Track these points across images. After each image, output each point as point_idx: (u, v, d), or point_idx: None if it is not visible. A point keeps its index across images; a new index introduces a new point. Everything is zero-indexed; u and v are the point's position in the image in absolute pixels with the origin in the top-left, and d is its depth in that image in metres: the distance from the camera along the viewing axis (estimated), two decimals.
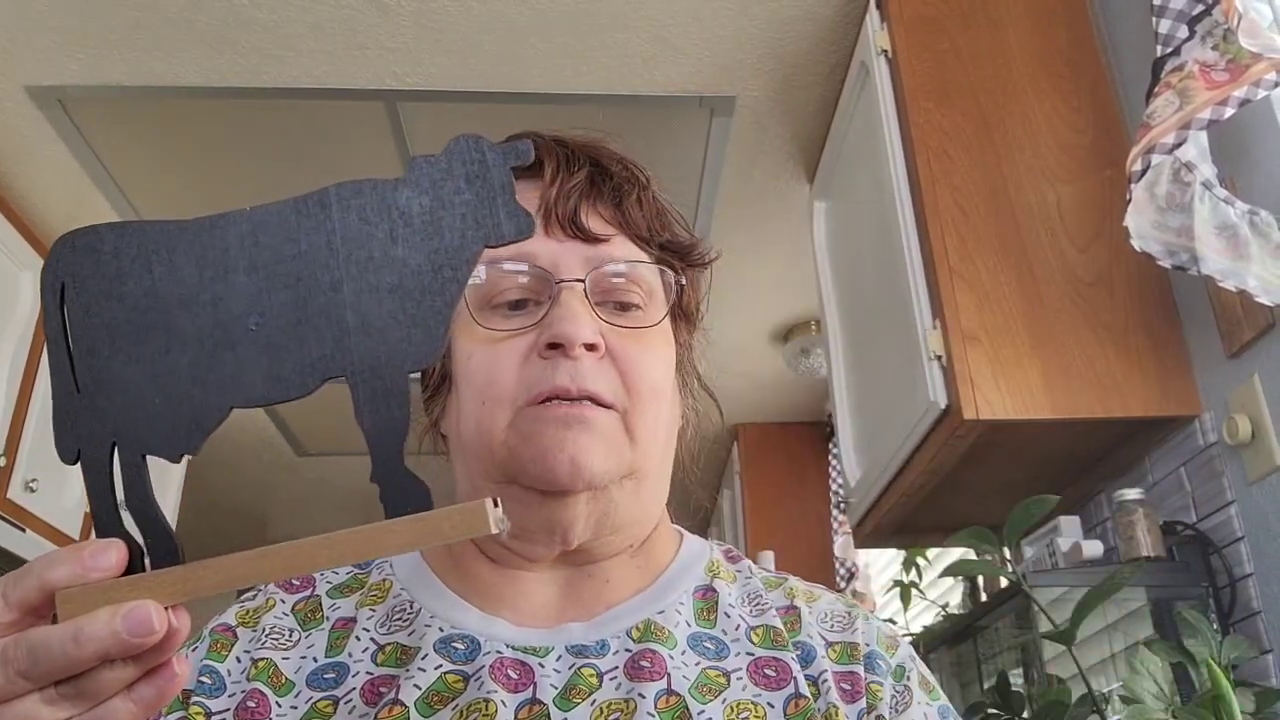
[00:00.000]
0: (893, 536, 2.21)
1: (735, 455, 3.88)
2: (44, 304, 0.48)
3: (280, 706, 0.62)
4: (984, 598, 2.14)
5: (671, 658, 0.64)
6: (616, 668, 0.63)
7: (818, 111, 2.33)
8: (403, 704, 0.60)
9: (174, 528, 0.47)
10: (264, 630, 0.67)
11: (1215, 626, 1.45)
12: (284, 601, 0.70)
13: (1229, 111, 1.34)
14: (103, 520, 0.46)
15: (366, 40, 2.10)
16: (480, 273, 0.67)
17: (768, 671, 0.64)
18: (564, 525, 0.65)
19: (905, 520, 2.07)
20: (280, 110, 2.28)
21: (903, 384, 1.77)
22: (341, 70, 2.18)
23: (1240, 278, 1.34)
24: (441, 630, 0.66)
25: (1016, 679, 1.66)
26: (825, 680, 0.65)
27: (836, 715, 0.62)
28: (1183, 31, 1.43)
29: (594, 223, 0.69)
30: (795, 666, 0.65)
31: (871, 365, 2.06)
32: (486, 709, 0.60)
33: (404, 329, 0.45)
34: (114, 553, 0.45)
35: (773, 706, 0.62)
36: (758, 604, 0.70)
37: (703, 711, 0.60)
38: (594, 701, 0.61)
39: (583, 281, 0.66)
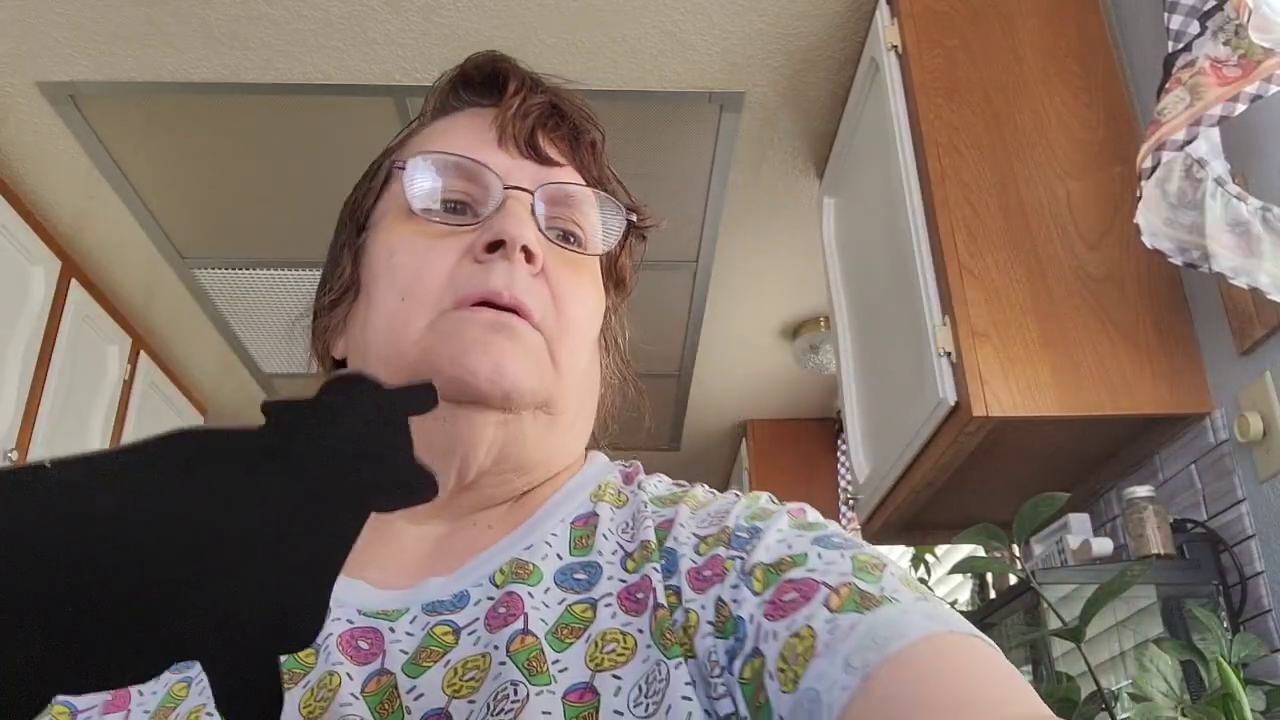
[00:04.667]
0: (901, 533, 2.21)
1: (744, 451, 3.88)
2: None
3: (142, 695, 0.59)
4: (993, 595, 2.14)
5: (532, 595, 0.56)
6: (477, 619, 0.56)
7: (827, 107, 2.32)
8: None
9: None
10: None
11: (1225, 624, 1.44)
12: None
13: (1240, 108, 1.33)
14: None
15: (376, 36, 2.11)
16: (429, 171, 0.65)
17: (638, 595, 0.56)
18: (466, 445, 0.60)
19: (914, 517, 2.07)
20: (290, 106, 2.29)
21: (912, 380, 1.76)
22: (351, 66, 2.18)
23: (1252, 275, 1.34)
24: None
25: (1025, 676, 1.66)
26: (683, 586, 0.55)
27: (693, 620, 0.53)
28: (1194, 27, 1.42)
29: (548, 148, 0.67)
30: (657, 578, 0.56)
31: (881, 362, 2.05)
32: (331, 683, 0.54)
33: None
34: None
35: (642, 632, 0.54)
36: (641, 523, 0.60)
37: (558, 661, 0.53)
38: (448, 662, 0.55)
39: (531, 193, 0.64)
